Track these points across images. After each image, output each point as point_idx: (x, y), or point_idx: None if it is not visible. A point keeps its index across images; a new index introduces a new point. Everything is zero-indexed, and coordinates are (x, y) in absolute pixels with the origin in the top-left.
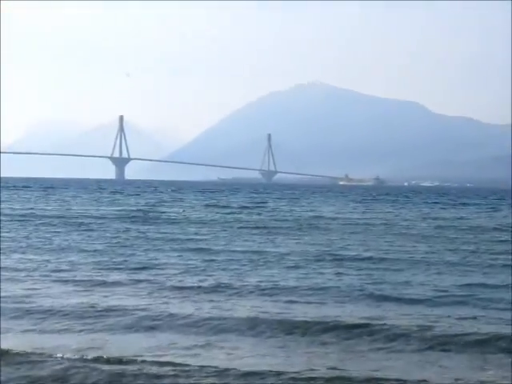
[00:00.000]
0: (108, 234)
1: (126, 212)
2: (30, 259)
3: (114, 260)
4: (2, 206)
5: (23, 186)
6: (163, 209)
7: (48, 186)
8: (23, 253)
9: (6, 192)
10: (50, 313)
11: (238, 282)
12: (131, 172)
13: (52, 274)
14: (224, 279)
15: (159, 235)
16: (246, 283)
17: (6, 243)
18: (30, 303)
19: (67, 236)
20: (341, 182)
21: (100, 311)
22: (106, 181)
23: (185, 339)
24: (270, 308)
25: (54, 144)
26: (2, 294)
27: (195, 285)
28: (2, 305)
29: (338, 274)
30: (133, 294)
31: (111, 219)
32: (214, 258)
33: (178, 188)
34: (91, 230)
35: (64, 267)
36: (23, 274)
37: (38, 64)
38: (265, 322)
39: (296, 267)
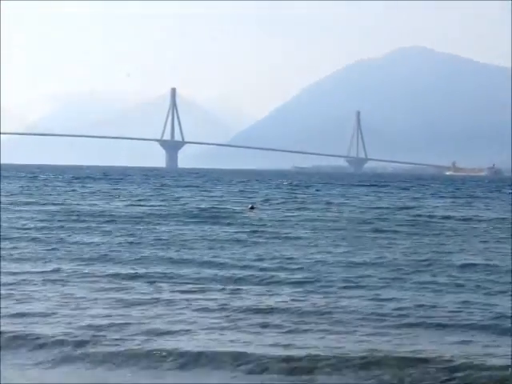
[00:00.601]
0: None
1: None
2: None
3: None
4: (76, 202)
5: (55, 176)
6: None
7: (86, 176)
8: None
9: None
10: None
11: None
12: (185, 158)
13: None
14: None
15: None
16: None
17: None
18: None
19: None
20: (447, 172)
21: None
22: (154, 170)
23: None
24: None
25: (87, 123)
26: None
27: None
28: None
29: None
30: None
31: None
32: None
33: (246, 179)
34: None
35: None
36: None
37: (72, 26)
38: None
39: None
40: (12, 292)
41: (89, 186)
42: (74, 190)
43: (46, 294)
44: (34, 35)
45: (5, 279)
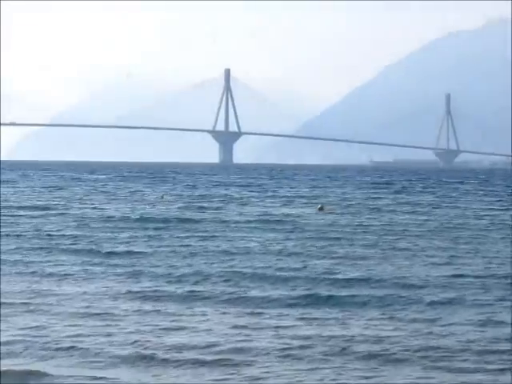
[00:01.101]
0: None
1: None
2: None
3: None
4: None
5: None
6: None
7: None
8: None
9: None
10: None
11: None
12: (241, 153)
13: None
14: None
15: None
16: None
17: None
18: None
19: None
20: None
21: None
22: (205, 166)
23: None
24: None
25: (121, 113)
26: None
27: None
28: None
29: None
30: None
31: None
32: None
33: (317, 175)
34: None
35: None
36: None
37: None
38: None
39: None
40: None
41: (162, 187)
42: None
43: None
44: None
45: None
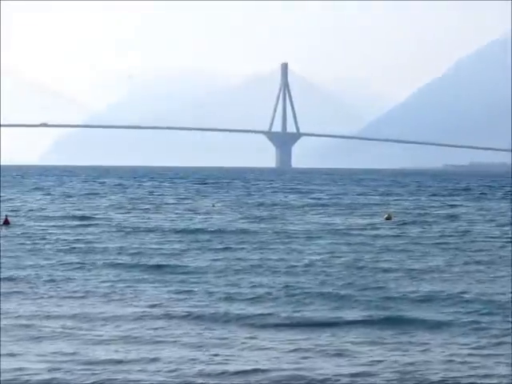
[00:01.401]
0: None
1: None
2: None
3: None
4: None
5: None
6: None
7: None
8: None
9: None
10: None
11: None
12: (300, 156)
13: None
14: None
15: None
16: None
17: None
18: None
19: None
20: None
21: None
22: (262, 171)
23: None
24: None
25: (168, 111)
26: None
27: None
28: None
29: None
30: None
31: None
32: None
33: (385, 181)
34: None
35: None
36: None
37: None
38: None
39: None
40: None
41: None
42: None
43: None
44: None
45: None
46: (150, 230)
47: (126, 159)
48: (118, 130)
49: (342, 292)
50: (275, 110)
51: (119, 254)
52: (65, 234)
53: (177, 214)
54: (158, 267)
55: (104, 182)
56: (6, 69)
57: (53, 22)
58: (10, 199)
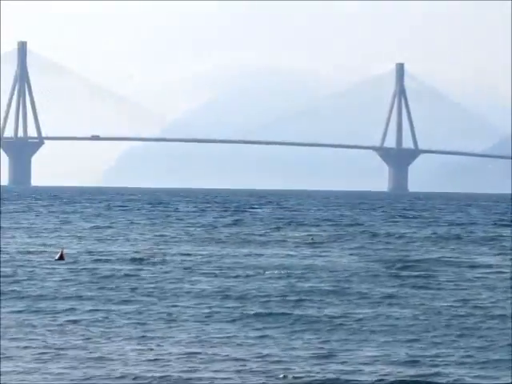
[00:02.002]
0: None
1: None
2: None
3: None
4: None
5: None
6: None
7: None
8: None
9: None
10: None
11: None
12: (418, 177)
13: None
14: None
15: None
16: None
17: None
18: None
19: None
20: None
21: None
22: (371, 195)
23: None
24: None
25: (257, 124)
26: None
27: None
28: None
29: None
30: None
31: None
32: None
33: None
34: None
35: None
36: None
37: None
38: None
39: None
40: None
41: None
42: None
43: None
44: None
45: None
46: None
47: (206, 180)
48: (196, 144)
49: None
50: (388, 122)
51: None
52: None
53: (267, 247)
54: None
55: (177, 209)
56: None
57: (119, 23)
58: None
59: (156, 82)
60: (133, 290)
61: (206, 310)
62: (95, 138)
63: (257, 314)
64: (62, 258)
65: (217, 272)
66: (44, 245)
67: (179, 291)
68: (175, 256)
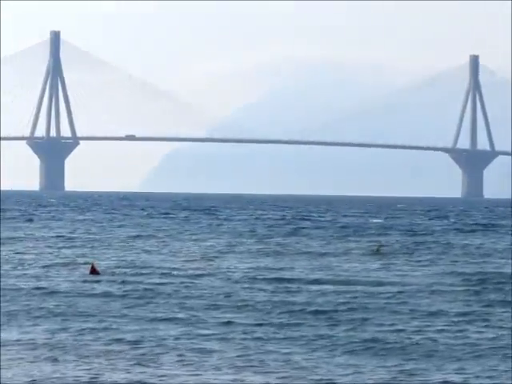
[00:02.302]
0: None
1: None
2: None
3: None
4: None
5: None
6: None
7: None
8: None
9: None
10: None
11: None
12: (496, 182)
13: None
14: None
15: None
16: None
17: None
18: None
19: None
20: None
21: None
22: (440, 202)
23: None
24: None
25: (317, 122)
26: None
27: None
28: None
29: None
30: None
31: None
32: None
33: None
34: None
35: None
36: None
37: None
38: None
39: None
40: None
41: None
42: None
43: None
44: None
45: None
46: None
47: (258, 185)
48: (247, 145)
49: None
50: (461, 120)
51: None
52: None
53: (329, 259)
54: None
55: (228, 217)
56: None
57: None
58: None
59: (204, 76)
60: (180, 305)
61: (271, 328)
62: (130, 137)
63: (322, 335)
64: (94, 271)
65: (272, 286)
66: (79, 256)
67: (232, 304)
68: (226, 269)
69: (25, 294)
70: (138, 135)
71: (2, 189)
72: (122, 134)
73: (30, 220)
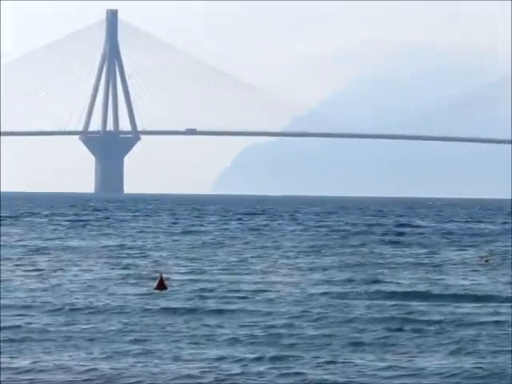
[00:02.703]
0: None
1: None
2: None
3: None
4: None
5: None
6: None
7: None
8: None
9: None
10: None
11: None
12: None
13: None
14: None
15: None
16: None
17: None
18: None
19: None
20: None
21: None
22: None
23: None
24: None
25: (414, 114)
26: None
27: None
28: None
29: None
30: None
31: None
32: None
33: None
34: None
35: None
36: None
37: None
38: None
39: None
40: None
41: None
42: None
43: None
44: None
45: None
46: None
47: (347, 186)
48: (333, 140)
49: None
50: None
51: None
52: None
53: (438, 272)
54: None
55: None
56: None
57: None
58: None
59: (283, 62)
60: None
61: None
62: (191, 132)
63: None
64: (162, 286)
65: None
66: (144, 268)
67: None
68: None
69: (85, 312)
70: (206, 129)
71: (54, 191)
72: (185, 128)
73: (84, 225)
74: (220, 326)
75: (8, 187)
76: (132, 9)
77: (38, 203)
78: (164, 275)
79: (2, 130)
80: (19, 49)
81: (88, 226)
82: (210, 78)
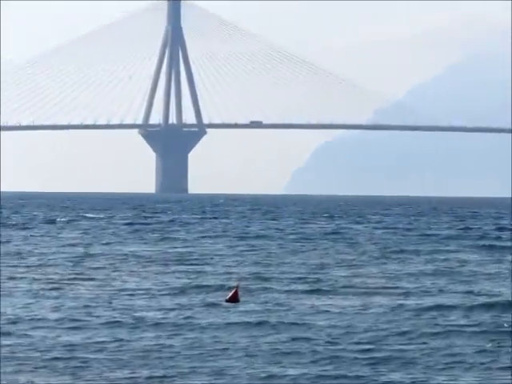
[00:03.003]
0: None
1: None
2: None
3: None
4: None
5: None
6: None
7: None
8: None
9: None
10: None
11: None
12: None
13: None
14: None
15: None
16: None
17: None
18: None
19: None
20: None
21: None
22: None
23: None
24: None
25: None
26: None
27: None
28: None
29: None
30: None
31: None
32: None
33: None
34: None
35: None
36: None
37: None
38: None
39: None
40: None
41: None
42: None
43: None
44: None
45: None
46: None
47: (434, 185)
48: (421, 133)
49: None
50: None
51: None
52: None
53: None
54: None
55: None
56: None
57: None
58: None
59: (366, 47)
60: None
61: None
62: (256, 124)
63: None
64: (235, 298)
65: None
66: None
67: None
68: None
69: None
70: (261, 121)
71: (110, 191)
72: (249, 121)
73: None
74: (297, 339)
75: (61, 188)
76: None
77: (93, 205)
78: (237, 285)
79: (58, 123)
80: (68, 37)
81: (149, 230)
82: (284, 64)
